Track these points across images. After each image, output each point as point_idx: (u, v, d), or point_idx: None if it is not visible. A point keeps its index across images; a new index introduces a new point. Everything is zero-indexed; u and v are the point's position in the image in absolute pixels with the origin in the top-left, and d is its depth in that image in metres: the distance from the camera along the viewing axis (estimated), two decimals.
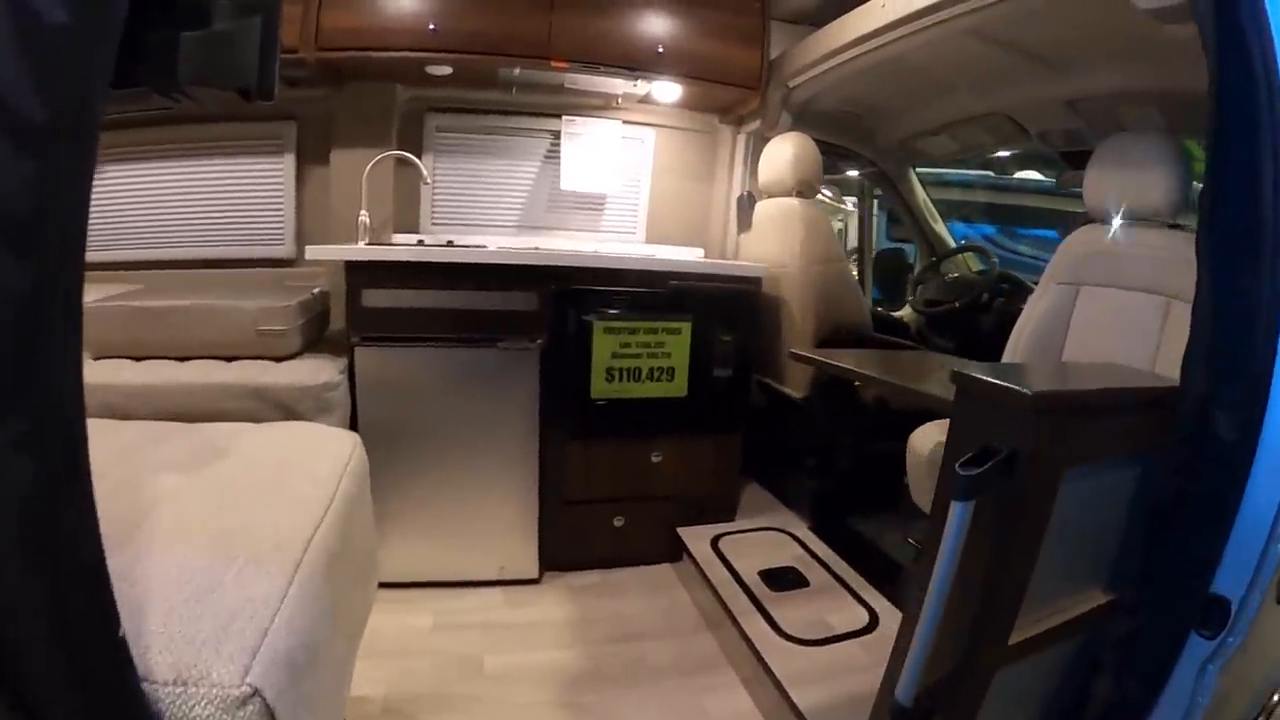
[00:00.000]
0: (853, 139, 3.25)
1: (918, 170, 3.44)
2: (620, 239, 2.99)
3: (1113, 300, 1.67)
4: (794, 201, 2.47)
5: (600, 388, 2.17)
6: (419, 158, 2.62)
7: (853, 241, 3.88)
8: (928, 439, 1.73)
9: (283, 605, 0.83)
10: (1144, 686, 0.99)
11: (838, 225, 3.92)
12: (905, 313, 3.26)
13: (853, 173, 3.80)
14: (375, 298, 1.99)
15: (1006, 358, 1.87)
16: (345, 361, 2.02)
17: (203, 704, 0.64)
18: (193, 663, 0.66)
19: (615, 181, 2.89)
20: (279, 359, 1.99)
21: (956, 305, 2.71)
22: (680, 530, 2.33)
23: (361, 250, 2.05)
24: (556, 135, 2.82)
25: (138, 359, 1.95)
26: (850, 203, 4.21)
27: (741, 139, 2.95)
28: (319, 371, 1.94)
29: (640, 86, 2.62)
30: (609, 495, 2.28)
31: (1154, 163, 1.55)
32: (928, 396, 1.36)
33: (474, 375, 2.06)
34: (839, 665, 1.66)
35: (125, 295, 2.04)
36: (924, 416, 1.71)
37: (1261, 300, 0.87)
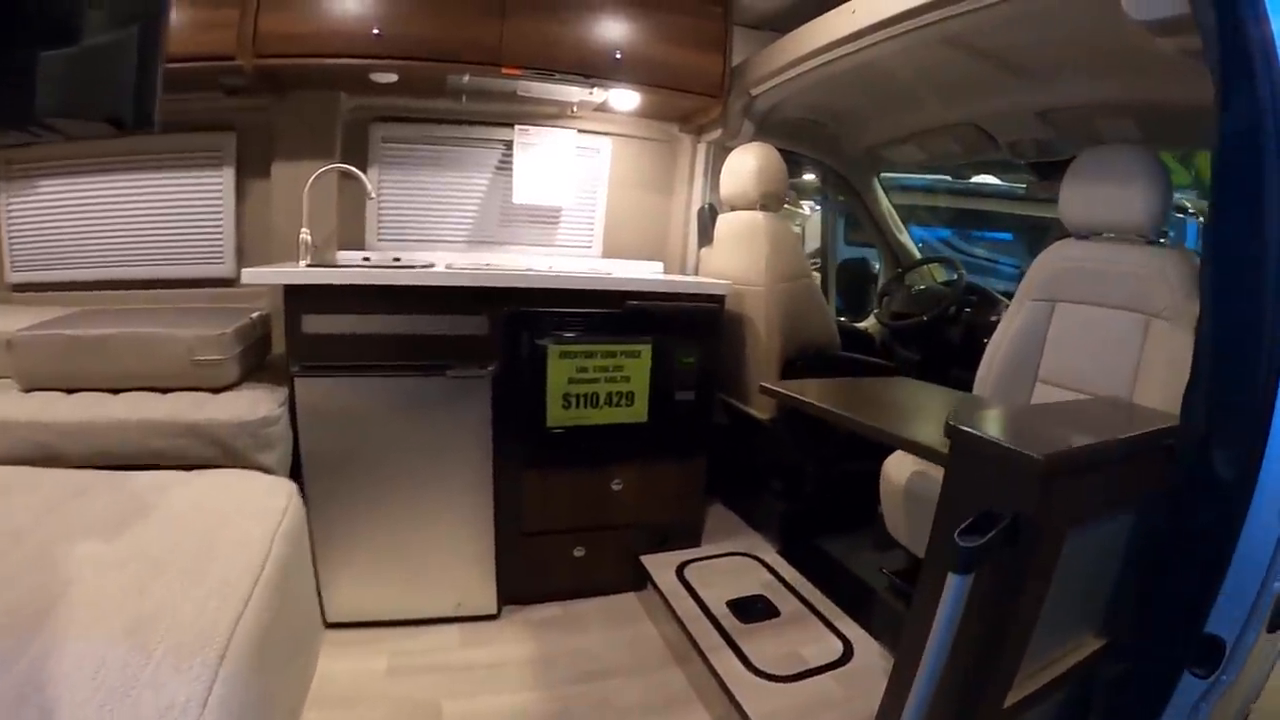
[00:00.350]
0: (817, 147, 3.19)
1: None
2: (576, 254, 2.89)
3: (1089, 317, 1.63)
4: (759, 215, 2.39)
5: (556, 415, 2.08)
6: (364, 170, 2.50)
7: (811, 244, 3.83)
8: (903, 468, 1.68)
9: (204, 713, 0.79)
10: None
11: (795, 228, 3.87)
12: (870, 324, 3.22)
13: (809, 176, 3.76)
14: (316, 324, 1.88)
15: (980, 376, 1.83)
16: (286, 392, 1.91)
17: None
18: None
19: (570, 193, 2.79)
20: (216, 390, 1.92)
21: (925, 319, 2.66)
22: (644, 558, 2.26)
23: (301, 272, 1.93)
24: (509, 145, 2.71)
25: (70, 391, 1.86)
26: (808, 206, 4.17)
27: (702, 148, 2.87)
28: (257, 405, 1.86)
29: (597, 94, 2.52)
30: (568, 525, 2.20)
31: (1134, 176, 1.51)
32: (917, 446, 1.28)
33: (422, 405, 1.96)
34: (814, 701, 1.62)
35: (57, 322, 1.94)
36: None
37: (1263, 336, 0.86)
